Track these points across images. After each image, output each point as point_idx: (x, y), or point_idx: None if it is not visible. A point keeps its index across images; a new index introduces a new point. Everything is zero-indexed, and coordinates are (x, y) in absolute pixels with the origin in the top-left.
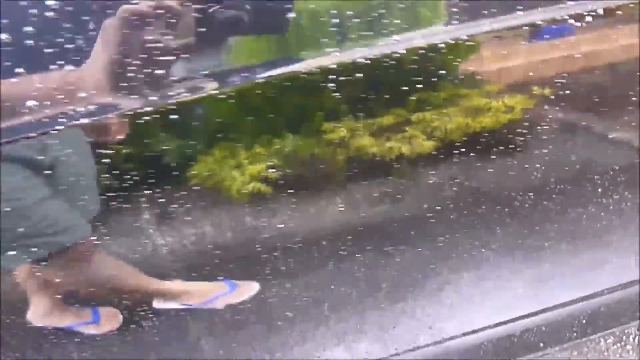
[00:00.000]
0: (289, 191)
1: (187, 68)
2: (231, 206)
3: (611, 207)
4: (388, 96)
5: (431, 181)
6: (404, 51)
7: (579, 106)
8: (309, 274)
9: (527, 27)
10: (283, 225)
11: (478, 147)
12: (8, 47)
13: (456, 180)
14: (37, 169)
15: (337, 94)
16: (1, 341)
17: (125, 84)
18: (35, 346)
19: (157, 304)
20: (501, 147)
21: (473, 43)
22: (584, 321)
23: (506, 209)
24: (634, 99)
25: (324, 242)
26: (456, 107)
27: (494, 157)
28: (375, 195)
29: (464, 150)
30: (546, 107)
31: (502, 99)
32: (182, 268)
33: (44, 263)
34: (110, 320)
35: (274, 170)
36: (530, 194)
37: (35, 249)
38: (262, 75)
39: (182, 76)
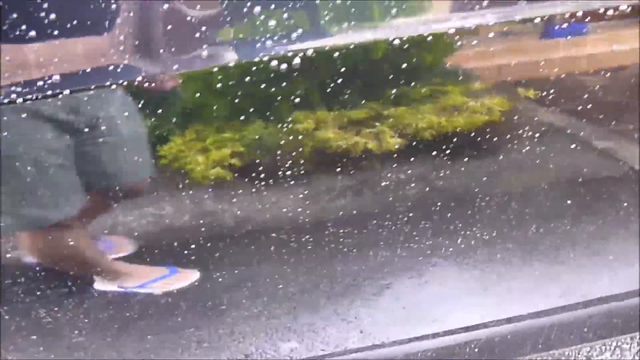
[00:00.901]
0: (248, 179)
1: (208, 37)
2: (193, 190)
3: (565, 222)
4: (368, 88)
5: (392, 180)
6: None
7: (565, 111)
8: (252, 266)
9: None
10: (239, 213)
11: (447, 147)
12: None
13: (418, 181)
14: (68, 130)
15: (314, 82)
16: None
17: (148, 51)
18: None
19: (98, 285)
20: (471, 150)
21: (459, 36)
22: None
23: (464, 214)
24: (627, 107)
25: (273, 234)
26: (433, 104)
27: (461, 158)
28: (333, 189)
29: (432, 149)
30: (528, 109)
31: (481, 100)
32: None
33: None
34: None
35: (237, 157)
36: (493, 198)
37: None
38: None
39: (202, 45)
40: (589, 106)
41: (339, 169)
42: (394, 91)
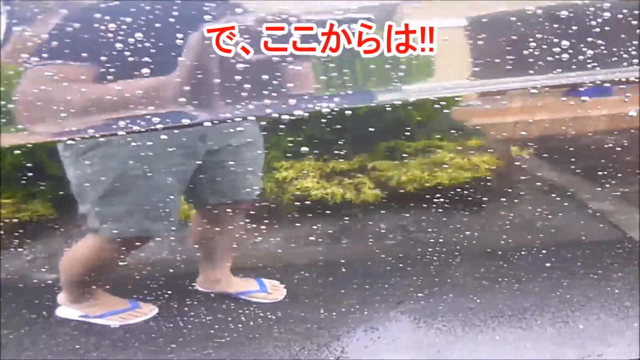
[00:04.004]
0: None
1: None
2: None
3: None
4: (360, 141)
5: (366, 229)
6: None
7: (557, 169)
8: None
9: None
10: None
11: (426, 201)
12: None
13: (392, 233)
14: (192, 155)
15: (305, 134)
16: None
17: (202, 96)
18: None
19: (60, 312)
20: (452, 205)
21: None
22: None
23: (434, 268)
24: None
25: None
26: (420, 159)
27: (442, 213)
28: (304, 235)
29: (409, 202)
30: (517, 168)
31: (468, 156)
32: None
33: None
34: (275, 290)
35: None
36: (464, 255)
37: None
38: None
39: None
40: (585, 167)
41: (317, 216)
42: (384, 144)
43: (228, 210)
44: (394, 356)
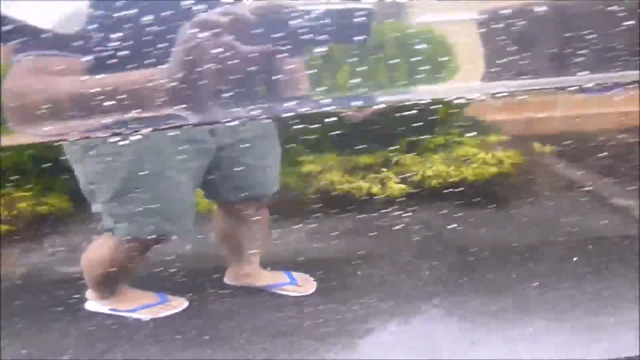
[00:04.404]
0: None
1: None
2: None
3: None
4: (382, 136)
5: (392, 224)
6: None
7: (579, 167)
8: (239, 299)
9: None
10: None
11: (452, 196)
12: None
13: (418, 227)
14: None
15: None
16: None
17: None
18: None
19: (89, 306)
20: (475, 200)
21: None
22: None
23: (459, 263)
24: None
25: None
26: (444, 154)
27: (467, 208)
28: (332, 229)
29: (436, 197)
30: (541, 164)
31: (493, 152)
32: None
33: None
34: (306, 283)
35: None
36: (492, 250)
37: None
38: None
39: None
40: (606, 163)
41: (343, 209)
42: (407, 139)
43: (248, 205)
44: (426, 348)
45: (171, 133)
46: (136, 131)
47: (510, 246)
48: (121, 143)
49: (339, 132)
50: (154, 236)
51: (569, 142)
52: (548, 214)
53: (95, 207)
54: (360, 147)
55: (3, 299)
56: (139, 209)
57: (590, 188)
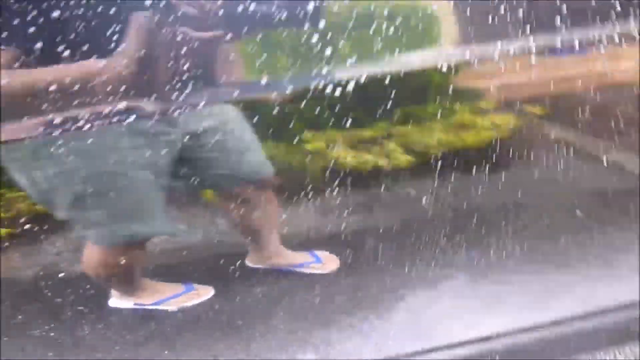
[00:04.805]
0: None
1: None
2: (205, 207)
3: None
4: (377, 108)
5: (404, 194)
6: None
7: (572, 126)
8: (265, 281)
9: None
10: None
11: (458, 163)
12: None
13: (429, 195)
14: (167, 144)
15: (323, 104)
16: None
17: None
18: None
19: (113, 303)
20: (480, 165)
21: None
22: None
23: (476, 227)
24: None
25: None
26: (441, 122)
27: (472, 173)
28: (345, 205)
29: (442, 165)
30: (536, 126)
31: (489, 117)
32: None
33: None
34: (329, 261)
35: None
36: (505, 212)
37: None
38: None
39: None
40: (596, 121)
41: (351, 184)
42: (402, 110)
43: (247, 189)
44: (460, 312)
45: (124, 128)
46: (83, 128)
47: (524, 205)
48: (72, 142)
49: (336, 106)
50: (129, 240)
51: (554, 103)
52: (553, 172)
53: (59, 214)
54: (357, 119)
55: (21, 302)
56: (104, 213)
57: (585, 145)
